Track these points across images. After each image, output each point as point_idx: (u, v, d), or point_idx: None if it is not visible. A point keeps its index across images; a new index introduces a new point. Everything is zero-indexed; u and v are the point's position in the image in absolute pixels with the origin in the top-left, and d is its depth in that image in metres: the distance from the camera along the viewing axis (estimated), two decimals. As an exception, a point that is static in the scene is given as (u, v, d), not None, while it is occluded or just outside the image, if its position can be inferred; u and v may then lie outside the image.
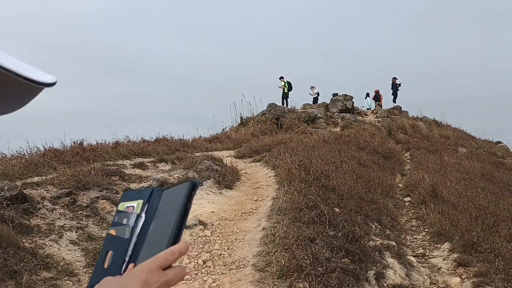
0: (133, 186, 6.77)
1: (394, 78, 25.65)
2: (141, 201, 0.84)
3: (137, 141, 11.54)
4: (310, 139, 15.34)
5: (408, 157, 16.66)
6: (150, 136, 12.62)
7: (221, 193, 7.27)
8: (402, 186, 12.07)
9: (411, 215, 9.18)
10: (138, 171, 8.21)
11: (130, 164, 8.75)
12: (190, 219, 5.50)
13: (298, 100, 29.87)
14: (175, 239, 0.73)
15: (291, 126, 19.94)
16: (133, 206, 0.85)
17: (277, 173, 8.37)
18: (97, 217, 5.25)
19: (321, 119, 21.99)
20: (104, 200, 5.48)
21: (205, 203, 6.55)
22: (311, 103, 26.02)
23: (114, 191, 6.01)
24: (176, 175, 7.51)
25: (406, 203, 10.31)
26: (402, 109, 24.78)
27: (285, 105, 23.83)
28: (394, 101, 25.71)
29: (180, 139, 13.42)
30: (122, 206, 0.88)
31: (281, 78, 24.56)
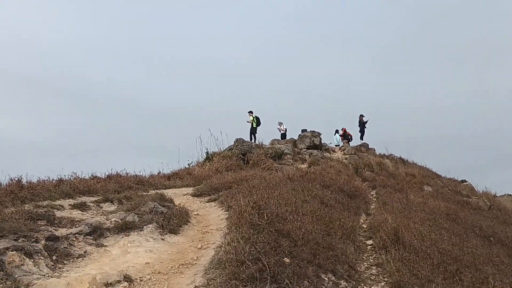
0: (62, 231, 6.05)
1: (361, 116, 25.80)
2: None
3: (85, 178, 10.80)
4: (274, 176, 14.86)
5: (374, 195, 16.37)
6: (102, 172, 11.89)
7: (163, 239, 6.61)
8: (366, 227, 11.63)
9: (372, 260, 8.68)
10: (76, 213, 7.49)
11: (69, 205, 8.01)
12: (113, 275, 4.83)
13: (267, 135, 29.73)
14: None
15: (258, 162, 19.55)
16: None
17: (230, 215, 7.79)
18: (2, 272, 4.52)
19: (288, 155, 21.71)
20: (14, 252, 4.76)
21: (141, 252, 5.88)
22: (280, 138, 25.88)
23: (34, 239, 5.30)
24: (114, 219, 6.81)
25: (368, 247, 9.83)
26: (369, 147, 24.80)
27: (253, 140, 23.55)
28: (361, 138, 25.81)
29: (136, 175, 12.71)
30: None
31: (250, 112, 24.35)
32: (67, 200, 8.57)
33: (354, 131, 26.76)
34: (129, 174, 12.57)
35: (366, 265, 8.39)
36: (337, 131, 27.89)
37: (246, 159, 19.70)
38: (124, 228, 6.51)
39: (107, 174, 11.75)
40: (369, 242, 10.07)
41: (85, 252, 5.68)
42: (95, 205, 8.33)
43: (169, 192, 11.63)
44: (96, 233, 6.15)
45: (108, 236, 6.25)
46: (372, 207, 14.21)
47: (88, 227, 6.17)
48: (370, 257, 9.03)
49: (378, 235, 9.58)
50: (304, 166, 19.69)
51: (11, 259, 4.66)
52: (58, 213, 6.92)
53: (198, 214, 8.54)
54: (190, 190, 12.28)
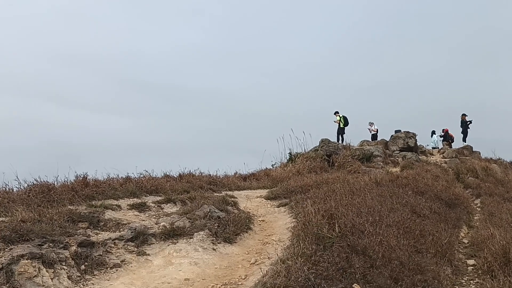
0: (104, 235, 5.47)
1: (464, 115, 23.11)
2: None
3: (156, 176, 10.44)
4: (359, 180, 13.45)
5: (479, 205, 14.28)
6: (176, 171, 11.49)
7: (214, 249, 5.77)
8: (468, 243, 9.86)
9: (473, 287, 7.07)
10: (130, 214, 6.95)
11: (128, 205, 7.53)
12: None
13: (357, 136, 27.98)
14: None
15: (344, 164, 18.26)
16: None
17: (296, 224, 6.75)
18: (8, 284, 3.96)
19: (378, 158, 20.02)
20: (28, 260, 4.20)
21: (185, 265, 5.09)
22: (370, 139, 24.18)
23: (62, 245, 4.75)
24: (163, 223, 6.12)
25: (470, 268, 8.17)
26: (473, 149, 22.11)
27: (340, 141, 22.21)
28: (464, 140, 23.10)
29: (209, 175, 12.17)
30: None
31: (336, 113, 23.14)
32: (131, 199, 8.14)
33: (456, 133, 24.12)
34: (202, 174, 12.06)
35: (465, 293, 6.85)
36: (433, 132, 25.39)
37: (331, 160, 18.49)
38: (172, 234, 5.81)
39: (179, 173, 11.31)
40: (471, 262, 8.40)
41: (122, 261, 5.04)
42: (156, 206, 7.78)
43: (242, 194, 10.91)
44: (139, 239, 5.50)
45: (153, 243, 5.58)
46: (475, 218, 12.26)
47: (131, 232, 5.54)
48: (471, 281, 7.42)
49: (482, 254, 7.89)
50: (396, 169, 17.90)
51: (22, 269, 4.10)
52: (108, 214, 6.41)
53: (263, 221, 7.61)
54: (264, 192, 11.43)
